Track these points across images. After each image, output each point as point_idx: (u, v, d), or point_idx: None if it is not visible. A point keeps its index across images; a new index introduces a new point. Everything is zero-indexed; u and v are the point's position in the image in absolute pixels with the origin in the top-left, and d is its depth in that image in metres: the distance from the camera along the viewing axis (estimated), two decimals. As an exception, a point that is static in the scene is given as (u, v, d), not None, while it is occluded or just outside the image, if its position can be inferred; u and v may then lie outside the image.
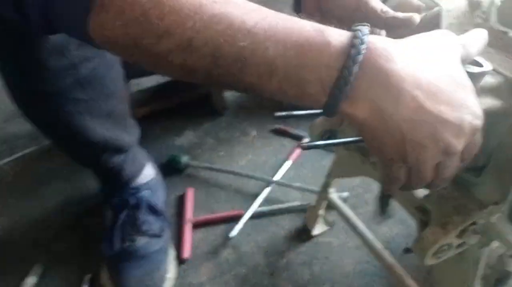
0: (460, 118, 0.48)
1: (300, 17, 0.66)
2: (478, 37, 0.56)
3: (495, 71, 0.63)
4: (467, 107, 0.49)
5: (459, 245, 0.70)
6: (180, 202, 1.23)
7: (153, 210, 1.10)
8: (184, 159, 1.31)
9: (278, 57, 0.44)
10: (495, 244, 0.72)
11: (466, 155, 0.52)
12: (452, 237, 0.67)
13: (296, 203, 1.17)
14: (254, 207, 1.17)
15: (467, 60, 0.55)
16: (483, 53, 0.66)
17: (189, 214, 1.19)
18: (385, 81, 0.45)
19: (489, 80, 0.61)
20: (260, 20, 0.44)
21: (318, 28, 0.46)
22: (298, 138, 1.38)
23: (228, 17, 0.43)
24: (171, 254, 1.09)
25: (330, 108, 0.46)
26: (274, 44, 0.44)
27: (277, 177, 1.24)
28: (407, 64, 0.46)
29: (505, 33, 0.70)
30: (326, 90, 0.45)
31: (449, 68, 0.49)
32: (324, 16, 0.68)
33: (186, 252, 1.10)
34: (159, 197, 1.16)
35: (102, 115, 0.93)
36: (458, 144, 0.49)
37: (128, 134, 0.99)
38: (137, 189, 1.10)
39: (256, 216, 1.16)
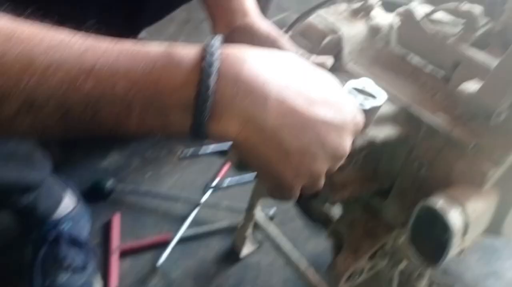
0: (339, 118, 0.45)
1: None
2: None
3: (394, 98, 0.65)
4: (344, 106, 0.47)
5: (370, 268, 0.71)
6: (106, 230, 1.19)
7: (76, 242, 1.06)
8: (109, 183, 1.26)
9: (130, 90, 0.40)
10: (404, 263, 0.74)
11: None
12: (364, 262, 0.68)
13: (224, 223, 1.17)
14: (182, 230, 1.15)
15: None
16: (384, 79, 0.68)
17: (116, 242, 1.15)
18: (247, 86, 0.42)
19: (386, 109, 0.63)
20: (99, 57, 0.40)
21: (164, 50, 0.42)
22: (226, 154, 1.37)
23: (64, 64, 0.39)
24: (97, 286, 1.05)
25: (198, 130, 0.42)
26: (122, 77, 0.40)
27: (205, 197, 1.23)
28: (268, 65, 0.43)
29: (404, 57, 0.72)
30: (189, 112, 0.42)
31: (319, 73, 0.47)
32: None
33: (113, 284, 1.07)
34: (82, 227, 1.11)
35: (1, 159, 0.86)
36: (346, 144, 0.46)
37: (37, 171, 0.94)
38: (56, 222, 1.05)
39: (184, 240, 1.14)
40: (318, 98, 0.44)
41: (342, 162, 0.48)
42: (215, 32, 0.68)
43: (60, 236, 1.04)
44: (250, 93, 0.42)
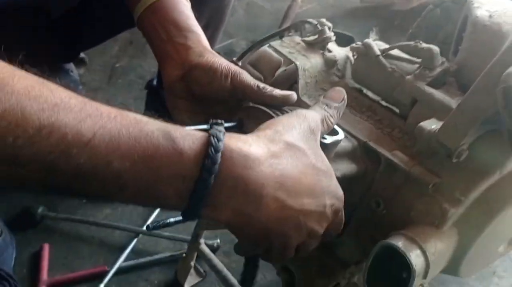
0: (321, 205, 0.49)
1: (159, 94, 0.59)
2: (337, 105, 0.56)
3: (350, 135, 0.64)
4: (329, 193, 0.50)
5: (326, 307, 0.69)
6: (35, 260, 1.09)
7: (-1, 276, 0.96)
8: (40, 209, 1.17)
9: (126, 172, 0.39)
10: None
11: (332, 230, 0.54)
12: (318, 301, 0.66)
13: (166, 254, 1.10)
14: (120, 261, 1.08)
15: (327, 132, 0.55)
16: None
17: (44, 274, 1.05)
18: (244, 189, 0.44)
19: (344, 144, 0.62)
20: (99, 129, 0.38)
21: (167, 134, 0.42)
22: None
23: (60, 128, 0.36)
24: (22, 326, 0.96)
25: (191, 215, 0.45)
26: (118, 158, 0.38)
27: (145, 226, 1.16)
28: (267, 167, 0.45)
29: (359, 91, 0.72)
30: (184, 200, 0.43)
31: (312, 158, 0.49)
32: (196, 99, 0.63)
33: (40, 322, 0.97)
34: (7, 259, 1.02)
35: None
36: (320, 228, 0.51)
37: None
38: (-22, 254, 0.95)
39: (122, 271, 1.07)
40: (308, 191, 0.48)
41: (316, 239, 0.52)
42: (165, 70, 0.64)
43: (-19, 270, 0.94)
44: (246, 195, 0.44)
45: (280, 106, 0.59)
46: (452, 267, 0.61)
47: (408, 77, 0.64)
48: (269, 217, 0.46)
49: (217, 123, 0.46)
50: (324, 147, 0.55)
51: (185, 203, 0.43)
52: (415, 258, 0.53)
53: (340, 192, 0.52)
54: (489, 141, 0.57)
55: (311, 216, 0.49)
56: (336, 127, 0.58)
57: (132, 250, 1.11)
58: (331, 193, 0.50)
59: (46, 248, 1.11)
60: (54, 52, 1.00)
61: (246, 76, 0.61)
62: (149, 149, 0.40)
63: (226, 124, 0.59)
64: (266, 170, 0.45)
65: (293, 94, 0.60)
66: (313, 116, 0.52)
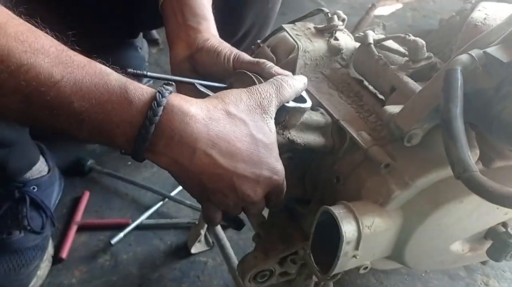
0: (256, 174, 0.55)
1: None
2: (296, 82, 0.61)
3: (327, 113, 0.67)
4: (267, 164, 0.56)
5: (283, 274, 0.72)
6: (75, 204, 1.23)
7: (38, 207, 1.10)
8: (90, 162, 1.31)
9: (84, 111, 0.48)
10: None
11: (272, 200, 0.61)
12: (273, 264, 0.70)
13: (184, 220, 1.19)
14: (142, 217, 1.18)
15: (287, 101, 0.59)
16: (326, 94, 0.71)
17: (79, 216, 1.19)
18: (179, 140, 0.51)
19: (318, 119, 0.65)
20: (67, 74, 0.47)
21: (123, 85, 0.50)
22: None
23: (36, 68, 0.45)
24: (48, 252, 1.09)
25: (135, 156, 0.52)
26: (79, 99, 0.47)
27: (174, 193, 1.26)
28: (203, 125, 0.52)
29: (360, 81, 0.75)
30: (131, 143, 0.50)
31: (252, 129, 0.55)
32: (200, 78, 0.69)
33: (64, 253, 1.10)
34: (49, 194, 1.16)
35: None
36: (255, 195, 0.57)
37: (12, 129, 0.99)
38: (25, 183, 1.10)
39: (142, 227, 1.17)
40: (243, 157, 0.54)
41: (252, 204, 0.59)
42: (175, 50, 0.71)
43: (25, 196, 1.09)
44: (181, 146, 0.51)
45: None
46: (397, 253, 0.62)
47: (392, 66, 0.67)
48: (203, 171, 0.53)
49: (167, 84, 0.53)
50: (285, 110, 0.60)
51: (130, 146, 0.51)
52: (347, 225, 0.55)
53: (279, 166, 0.57)
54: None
55: (245, 181, 0.55)
56: (306, 97, 0.63)
57: (156, 211, 1.22)
58: (269, 164, 0.56)
59: (86, 195, 1.25)
60: (118, 28, 1.13)
61: (246, 57, 0.67)
62: (105, 95, 0.48)
63: (218, 85, 0.67)
64: (201, 127, 0.52)
65: (288, 75, 0.64)
66: (266, 91, 0.57)
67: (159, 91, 0.51)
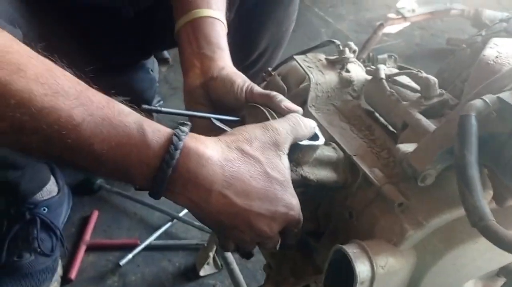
0: (271, 211, 0.56)
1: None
2: (309, 123, 0.62)
3: (339, 147, 0.68)
4: (283, 200, 0.57)
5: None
6: (83, 223, 1.24)
7: (48, 228, 1.11)
8: (99, 181, 1.32)
9: (104, 154, 0.49)
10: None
11: (288, 234, 0.62)
12: (284, 297, 0.70)
13: (193, 241, 1.20)
14: (151, 238, 1.19)
15: (301, 139, 0.60)
16: (337, 128, 0.71)
17: (88, 236, 1.20)
18: (195, 182, 0.52)
19: (330, 154, 0.66)
20: (87, 117, 0.48)
21: (141, 128, 0.51)
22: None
23: (57, 111, 0.46)
24: (57, 273, 1.10)
25: (155, 195, 0.53)
26: (99, 141, 0.48)
27: (182, 213, 1.26)
28: (218, 167, 0.53)
29: (371, 112, 0.75)
30: (149, 183, 0.52)
31: (266, 167, 0.56)
32: (212, 106, 0.70)
33: (73, 273, 1.11)
34: (59, 215, 1.17)
35: None
36: (271, 231, 0.58)
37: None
38: (35, 205, 1.11)
39: (151, 248, 1.18)
40: (258, 195, 0.55)
41: (268, 239, 0.59)
42: (189, 77, 0.72)
43: (36, 218, 1.10)
44: (197, 188, 0.53)
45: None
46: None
47: (404, 102, 0.67)
48: (219, 210, 0.54)
49: (182, 124, 0.54)
50: (297, 148, 0.60)
51: (149, 186, 0.52)
52: (360, 265, 0.56)
53: (294, 201, 0.58)
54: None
55: (261, 218, 0.56)
56: (319, 134, 0.63)
57: (165, 232, 1.22)
58: (284, 200, 0.57)
59: (95, 214, 1.26)
60: (130, 50, 1.15)
61: (258, 89, 0.68)
62: (124, 138, 0.50)
63: (232, 118, 0.67)
64: (216, 169, 0.53)
65: (298, 110, 0.65)
66: (282, 128, 0.58)
67: (175, 135, 0.52)
